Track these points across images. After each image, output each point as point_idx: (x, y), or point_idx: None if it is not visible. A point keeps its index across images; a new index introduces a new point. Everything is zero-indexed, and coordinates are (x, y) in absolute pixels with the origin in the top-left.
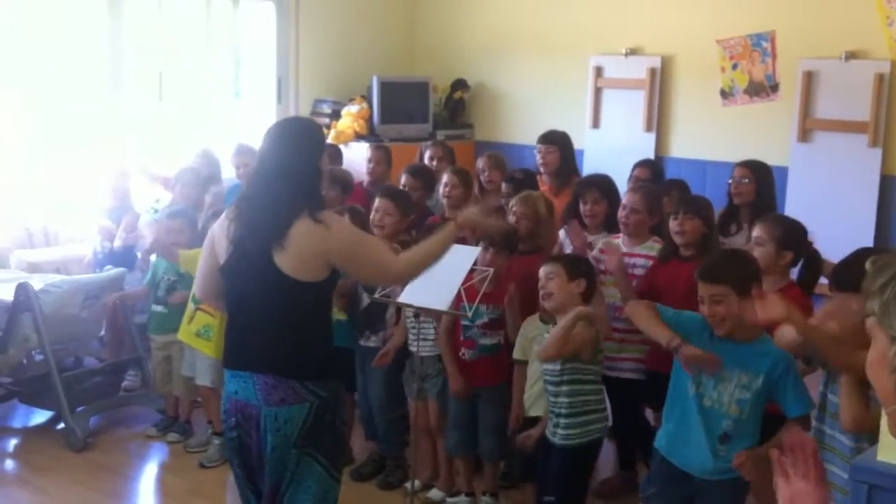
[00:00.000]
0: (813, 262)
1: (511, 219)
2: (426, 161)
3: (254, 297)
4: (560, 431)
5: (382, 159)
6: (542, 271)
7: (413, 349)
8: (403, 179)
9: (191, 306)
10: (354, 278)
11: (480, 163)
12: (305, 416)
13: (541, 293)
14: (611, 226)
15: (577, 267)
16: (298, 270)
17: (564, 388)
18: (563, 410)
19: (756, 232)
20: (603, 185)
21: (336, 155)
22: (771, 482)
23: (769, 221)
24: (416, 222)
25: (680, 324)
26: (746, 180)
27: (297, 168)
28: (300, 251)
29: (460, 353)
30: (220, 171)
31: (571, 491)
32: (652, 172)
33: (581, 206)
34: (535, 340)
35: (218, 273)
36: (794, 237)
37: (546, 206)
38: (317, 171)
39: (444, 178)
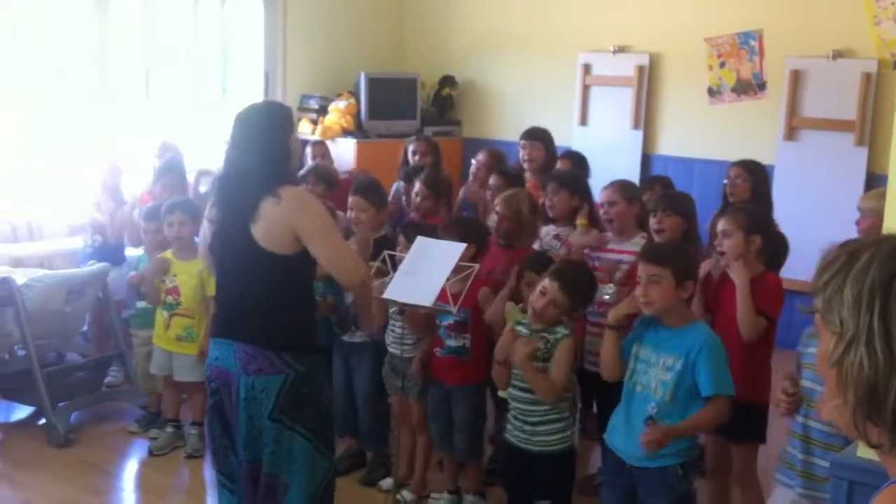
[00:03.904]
0: (778, 243)
1: (493, 217)
2: (410, 156)
3: (235, 270)
4: (540, 438)
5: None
6: (547, 287)
7: (396, 351)
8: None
9: (164, 314)
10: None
11: (481, 159)
12: (280, 387)
13: (539, 309)
14: (570, 219)
15: (580, 296)
16: (270, 243)
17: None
18: (537, 419)
19: (721, 226)
20: (564, 179)
21: (324, 152)
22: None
23: (731, 213)
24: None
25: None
26: (741, 180)
27: (262, 147)
28: (268, 224)
29: (434, 351)
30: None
31: (565, 492)
32: (573, 162)
33: (544, 198)
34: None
35: (207, 252)
36: (758, 221)
37: (529, 205)
38: (282, 149)
39: (417, 187)
